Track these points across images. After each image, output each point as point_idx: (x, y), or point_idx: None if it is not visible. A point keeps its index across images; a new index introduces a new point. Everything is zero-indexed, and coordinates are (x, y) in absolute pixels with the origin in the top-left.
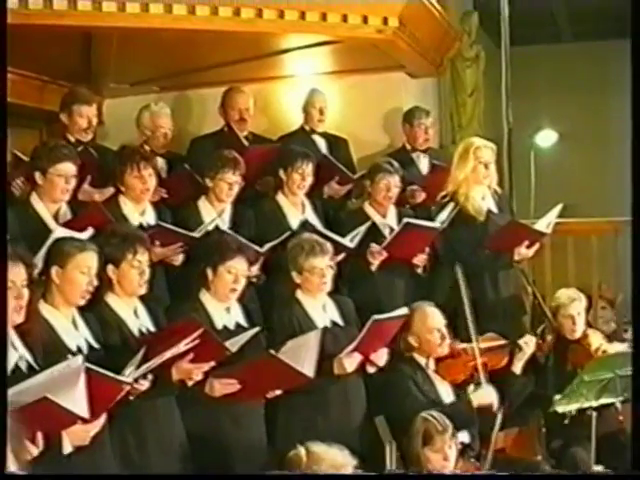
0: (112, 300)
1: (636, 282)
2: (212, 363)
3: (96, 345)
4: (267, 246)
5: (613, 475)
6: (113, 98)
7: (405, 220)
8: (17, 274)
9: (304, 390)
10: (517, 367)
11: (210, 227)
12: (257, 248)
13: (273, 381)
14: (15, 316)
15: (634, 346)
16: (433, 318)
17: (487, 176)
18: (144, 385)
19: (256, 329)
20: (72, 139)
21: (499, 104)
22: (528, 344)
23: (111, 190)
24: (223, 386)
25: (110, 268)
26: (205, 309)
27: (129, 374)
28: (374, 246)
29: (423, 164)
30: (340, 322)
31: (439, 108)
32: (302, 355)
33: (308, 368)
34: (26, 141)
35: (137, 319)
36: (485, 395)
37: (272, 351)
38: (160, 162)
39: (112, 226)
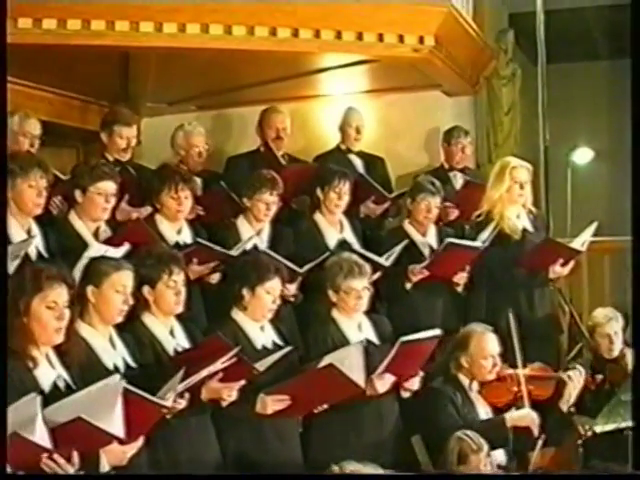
0: (148, 319)
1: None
2: (242, 382)
3: (133, 364)
4: (306, 267)
5: (613, 475)
6: (150, 117)
7: (447, 240)
8: (60, 295)
9: (338, 409)
10: (564, 404)
11: (248, 246)
12: (296, 268)
13: (324, 394)
14: (55, 336)
15: (634, 347)
16: (490, 344)
17: (522, 195)
18: (181, 404)
19: (287, 349)
20: (110, 158)
21: (536, 122)
22: (572, 378)
23: (149, 209)
24: (275, 402)
25: (146, 289)
26: (242, 329)
27: (169, 396)
28: (415, 266)
29: (459, 183)
30: (376, 341)
31: (475, 126)
32: (346, 366)
33: (358, 378)
34: (63, 160)
35: (173, 338)
36: (523, 417)
37: (331, 361)
38: (196, 180)
39: (147, 247)
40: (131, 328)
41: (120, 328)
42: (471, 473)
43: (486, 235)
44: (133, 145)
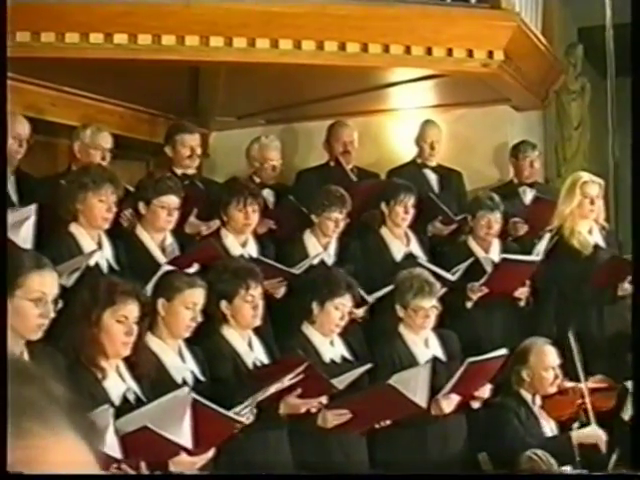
0: (228, 332)
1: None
2: (320, 399)
3: (202, 378)
4: (376, 295)
5: (613, 475)
6: (220, 131)
7: (502, 256)
8: (131, 311)
9: (403, 426)
10: (626, 414)
11: (315, 261)
12: (365, 296)
13: (385, 411)
14: (123, 350)
15: (634, 345)
16: (550, 356)
17: (592, 211)
18: (249, 419)
19: (366, 366)
20: (178, 172)
21: (605, 137)
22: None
23: (217, 223)
24: (335, 417)
25: (223, 304)
26: (311, 343)
27: (242, 411)
28: (474, 284)
29: (528, 198)
30: (443, 358)
31: (544, 141)
32: (411, 386)
33: (420, 398)
34: (133, 173)
35: (252, 352)
36: (590, 434)
37: (390, 381)
38: (268, 193)
39: (223, 261)
40: (208, 341)
41: (195, 341)
42: (473, 474)
43: (542, 247)
44: (198, 154)
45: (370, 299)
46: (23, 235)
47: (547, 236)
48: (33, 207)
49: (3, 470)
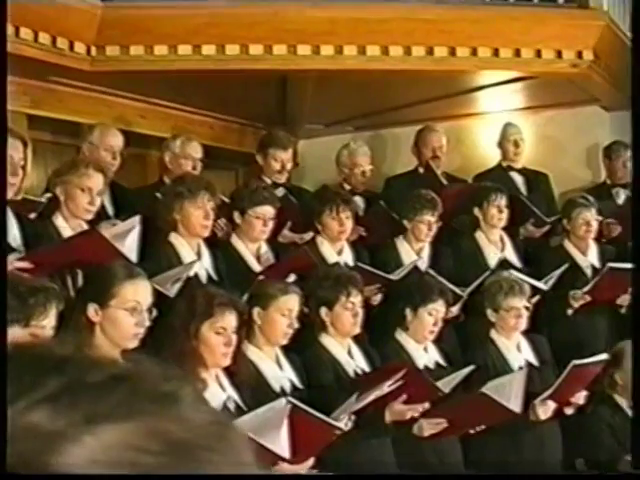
0: (327, 341)
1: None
2: (426, 405)
3: (300, 385)
4: (469, 289)
5: (613, 475)
6: (308, 139)
7: (608, 265)
8: (229, 322)
9: (497, 432)
10: None
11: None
12: (458, 291)
13: (479, 419)
14: (223, 360)
15: (634, 346)
16: None
17: None
18: (347, 425)
19: (470, 368)
20: (268, 180)
21: None
22: None
23: (311, 235)
24: (432, 426)
25: (323, 311)
26: (405, 350)
27: (342, 418)
28: (577, 292)
29: (622, 199)
30: (535, 362)
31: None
32: (506, 393)
33: (515, 405)
34: (222, 182)
35: (352, 360)
36: None
37: (484, 389)
38: (358, 200)
39: (324, 268)
40: (306, 349)
41: (294, 350)
42: (467, 474)
43: None
44: (288, 168)
45: (464, 294)
46: (128, 245)
47: None
48: (137, 218)
49: (3, 470)
